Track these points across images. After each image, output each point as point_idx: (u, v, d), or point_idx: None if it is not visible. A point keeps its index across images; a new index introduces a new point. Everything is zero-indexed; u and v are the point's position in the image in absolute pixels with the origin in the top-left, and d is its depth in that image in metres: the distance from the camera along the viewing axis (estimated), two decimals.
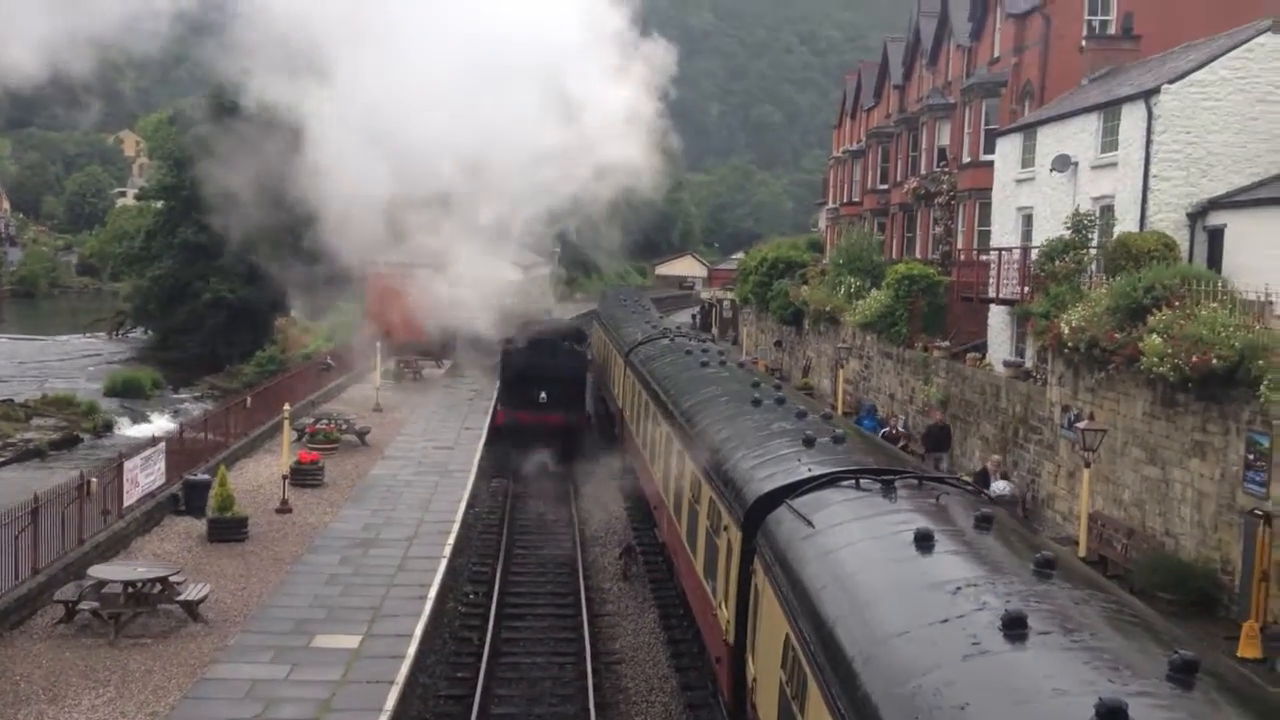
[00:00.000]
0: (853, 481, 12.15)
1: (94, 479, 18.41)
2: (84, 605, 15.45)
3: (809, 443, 14.11)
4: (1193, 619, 17.75)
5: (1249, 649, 16.14)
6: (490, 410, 36.70)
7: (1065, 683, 6.70)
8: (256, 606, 17.20)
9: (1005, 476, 24.33)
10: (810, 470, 12.84)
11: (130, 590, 15.55)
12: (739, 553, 13.08)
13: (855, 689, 7.82)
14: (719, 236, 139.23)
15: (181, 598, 16.10)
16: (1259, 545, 16.40)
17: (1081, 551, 19.10)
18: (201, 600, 16.33)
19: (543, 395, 34.23)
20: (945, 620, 8.03)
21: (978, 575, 8.93)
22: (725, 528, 14.11)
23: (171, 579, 16.22)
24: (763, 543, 12.04)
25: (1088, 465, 18.75)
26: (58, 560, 17.06)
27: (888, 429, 29.35)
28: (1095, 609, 8.17)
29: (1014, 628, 7.46)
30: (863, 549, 10.18)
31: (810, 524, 11.15)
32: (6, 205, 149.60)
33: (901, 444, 26.78)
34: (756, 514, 12.65)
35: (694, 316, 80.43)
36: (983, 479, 23.25)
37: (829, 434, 14.65)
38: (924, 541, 9.59)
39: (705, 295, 77.46)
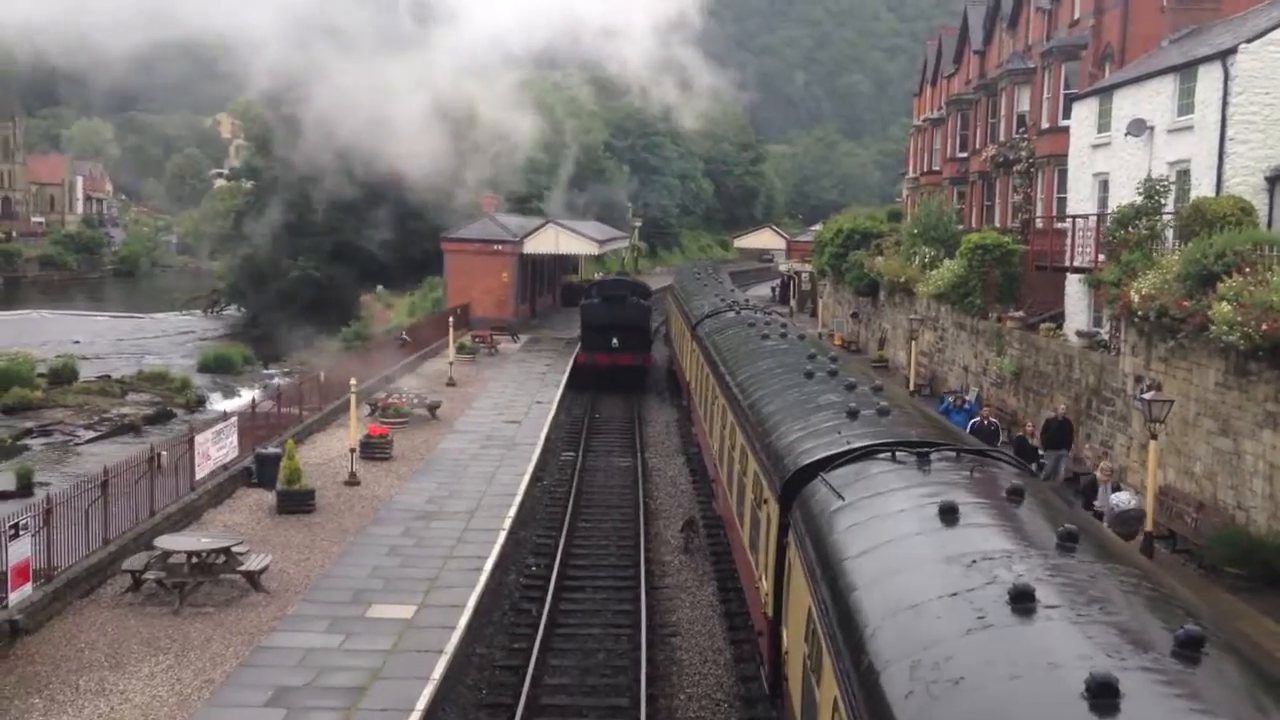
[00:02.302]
0: (889, 454, 12.01)
1: (164, 452, 19.02)
2: (150, 575, 16.02)
3: (853, 415, 13.98)
4: (1262, 595, 17.25)
5: None
6: (566, 372, 40.69)
7: (1063, 657, 6.57)
8: (317, 576, 17.66)
9: (1120, 485, 20.58)
10: (849, 443, 12.73)
11: (194, 560, 16.08)
12: (776, 525, 13.05)
13: (860, 661, 7.77)
14: (803, 208, 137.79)
15: (243, 568, 16.60)
16: None
17: (1149, 525, 18.64)
18: (263, 570, 16.82)
19: (614, 340, 42.03)
20: (955, 594, 7.93)
21: (997, 549, 8.78)
22: (765, 500, 14.08)
23: (234, 549, 16.74)
24: (797, 515, 11.99)
25: (1154, 437, 18.24)
26: (129, 531, 17.70)
27: (978, 420, 24.74)
28: (1112, 583, 7.98)
29: (1021, 601, 7.34)
30: (888, 522, 10.07)
31: (841, 496, 11.07)
32: (109, 187, 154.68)
33: (1003, 440, 23.68)
34: (793, 486, 12.59)
35: (773, 289, 79.94)
36: (1092, 490, 20.39)
37: (874, 406, 14.48)
38: (948, 514, 9.47)
39: (783, 268, 76.83)
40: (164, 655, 14.32)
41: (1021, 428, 25.53)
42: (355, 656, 14.50)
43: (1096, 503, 19.41)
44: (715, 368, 23.89)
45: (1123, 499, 18.24)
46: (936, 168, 53.26)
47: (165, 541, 16.61)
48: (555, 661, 17.68)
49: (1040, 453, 23.70)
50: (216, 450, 21.81)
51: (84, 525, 16.45)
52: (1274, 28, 22.17)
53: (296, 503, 21.18)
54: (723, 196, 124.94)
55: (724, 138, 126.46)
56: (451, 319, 41.73)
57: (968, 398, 29.69)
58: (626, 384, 41.76)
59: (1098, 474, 20.63)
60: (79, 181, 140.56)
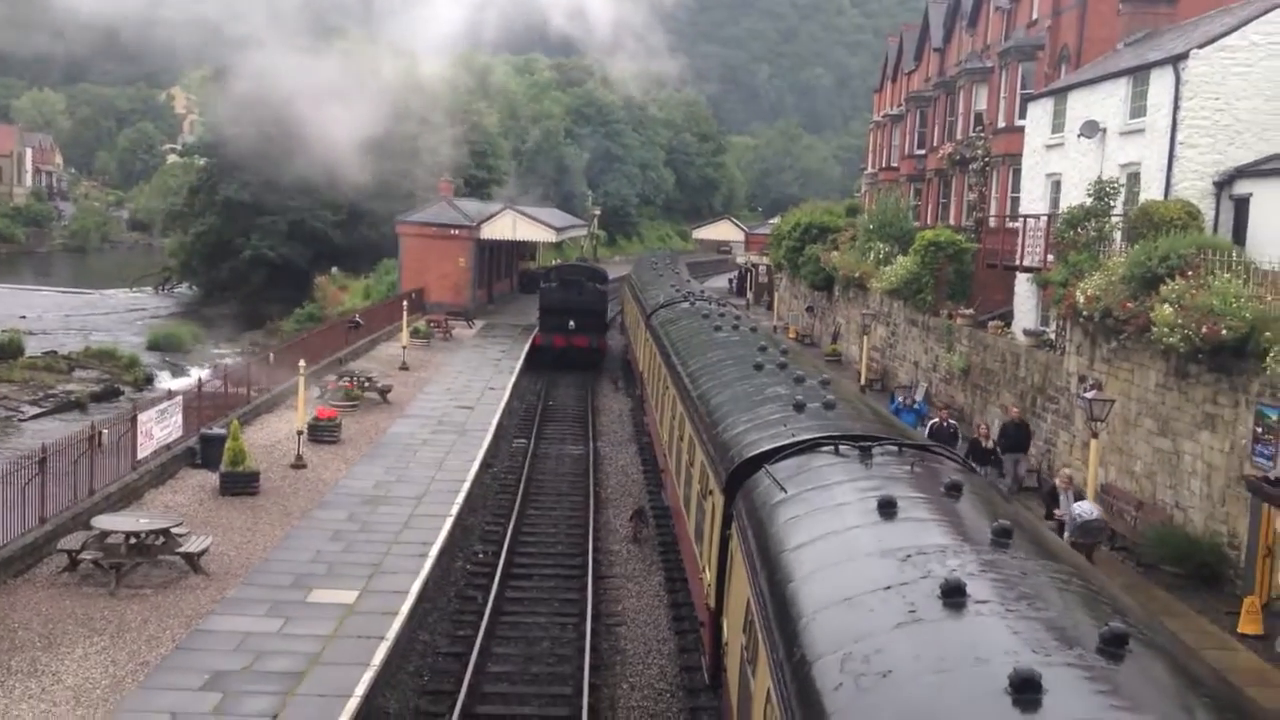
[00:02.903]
0: (833, 448, 12.08)
1: (105, 430, 18.73)
2: (86, 555, 15.78)
3: (799, 408, 14.04)
4: (1197, 593, 17.58)
5: (1249, 624, 15.93)
6: (521, 358, 41.28)
7: (989, 652, 6.64)
8: (259, 560, 17.49)
9: (1082, 495, 18.96)
10: (794, 435, 12.79)
11: (132, 541, 15.87)
12: (721, 516, 13.09)
13: (794, 653, 7.81)
14: (763, 201, 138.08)
15: (183, 549, 16.40)
16: (1263, 519, 16.15)
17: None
18: (203, 553, 16.62)
19: (571, 323, 43.96)
20: (889, 587, 7.99)
21: (932, 543, 8.86)
22: (710, 491, 14.12)
23: (174, 530, 16.53)
24: (740, 507, 12.03)
25: (1095, 436, 18.48)
26: (66, 510, 17.42)
27: (937, 421, 24.10)
28: (1043, 579, 8.07)
29: (952, 596, 7.40)
30: (828, 515, 10.13)
31: (783, 489, 11.12)
32: (60, 160, 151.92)
33: (961, 445, 22.57)
34: (738, 478, 12.63)
35: (730, 281, 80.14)
36: (1052, 499, 19.87)
37: (821, 400, 14.56)
38: (887, 508, 9.55)
39: (740, 260, 77.06)
40: (99, 636, 14.12)
41: (975, 430, 24.98)
42: (294, 641, 14.38)
43: (1058, 511, 18.94)
44: (667, 358, 23.91)
45: (1084, 509, 17.56)
46: (895, 164, 53.58)
47: (103, 521, 16.37)
48: (499, 649, 17.63)
49: (996, 456, 23.21)
50: (160, 430, 21.52)
51: (20, 503, 16.16)
52: (1225, 34, 22.50)
53: (240, 485, 20.95)
54: (683, 187, 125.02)
55: (686, 127, 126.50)
56: (406, 303, 41.45)
57: (916, 396, 29.92)
58: (581, 364, 44.03)
59: (1057, 482, 20.16)
60: (28, 153, 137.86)
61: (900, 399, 28.73)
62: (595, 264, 59.90)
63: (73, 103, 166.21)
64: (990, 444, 23.49)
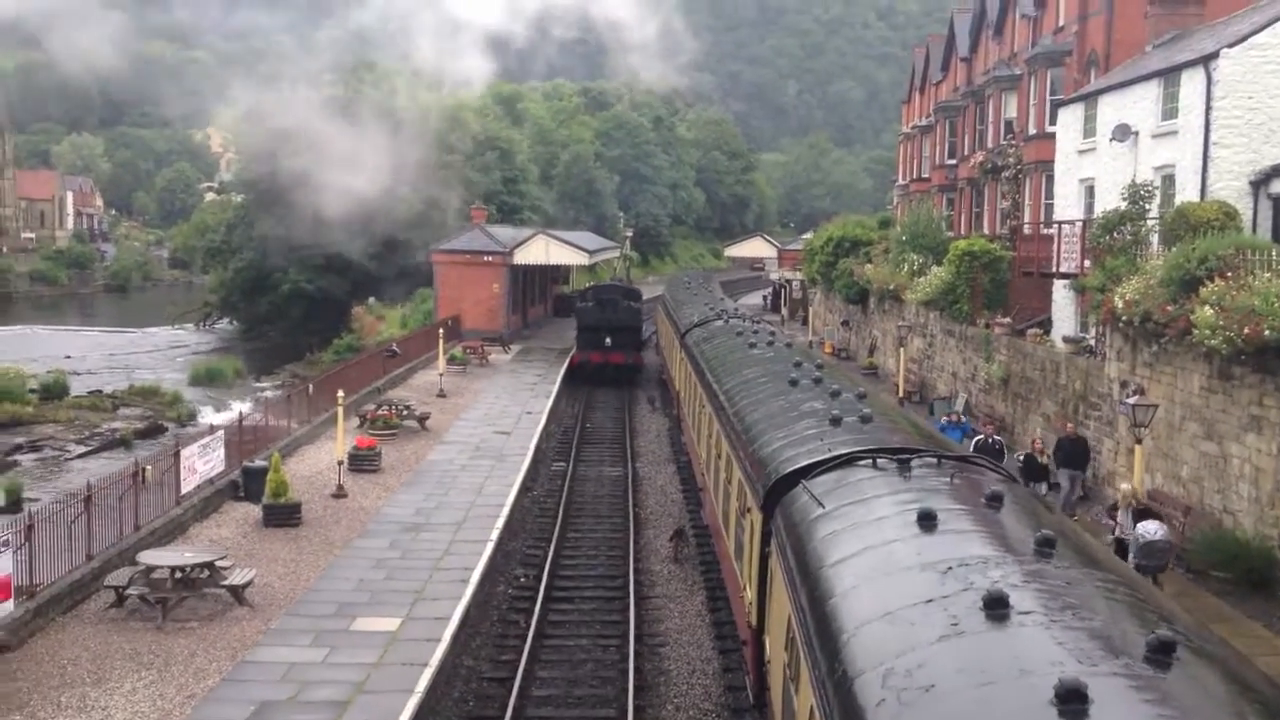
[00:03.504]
0: (870, 461, 12.00)
1: (149, 466, 18.95)
2: (132, 590, 15.95)
3: (835, 422, 13.97)
4: (1248, 598, 17.27)
5: None
6: (557, 382, 41.63)
7: (1034, 663, 6.56)
8: (302, 590, 17.60)
9: (1148, 511, 17.59)
10: (831, 450, 12.72)
11: (177, 575, 16.02)
12: (759, 533, 13.03)
13: (835, 669, 7.75)
14: (794, 216, 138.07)
15: (227, 582, 16.53)
16: None
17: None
18: (247, 585, 16.75)
19: (608, 340, 45.56)
20: (930, 600, 7.91)
21: (973, 555, 8.76)
22: (749, 509, 14.06)
23: (218, 564, 16.67)
24: (779, 523, 11.97)
25: (1139, 442, 18.26)
26: (112, 547, 17.63)
27: (982, 437, 22.92)
28: (1088, 588, 7.97)
29: (995, 608, 7.32)
30: (867, 529, 10.05)
31: (821, 504, 11.05)
32: (100, 202, 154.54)
33: (1009, 460, 21.93)
34: (776, 494, 12.57)
35: (764, 298, 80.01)
36: (1112, 515, 18.73)
37: (857, 413, 14.47)
38: (927, 521, 9.46)
39: (774, 276, 76.97)
40: (147, 670, 14.25)
41: (1031, 445, 24.22)
42: (339, 670, 14.44)
43: (1117, 528, 17.90)
44: (702, 376, 23.89)
45: (1149, 529, 16.20)
46: (926, 175, 53.39)
47: (149, 556, 16.53)
48: (543, 673, 17.61)
49: (1050, 472, 22.44)
50: (203, 464, 21.74)
51: (67, 541, 16.38)
52: (1255, 32, 22.27)
53: (283, 516, 21.11)
54: (714, 205, 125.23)
55: (715, 146, 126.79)
56: (442, 330, 41.72)
57: (956, 407, 29.60)
58: (619, 379, 45.73)
59: (1118, 498, 18.61)
60: (69, 197, 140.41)
61: (946, 419, 28.18)
62: (629, 283, 60.74)
63: (111, 146, 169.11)
64: (1045, 459, 22.63)
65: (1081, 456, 22.82)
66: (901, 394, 33.77)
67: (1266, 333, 16.49)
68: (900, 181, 61.75)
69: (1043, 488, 21.64)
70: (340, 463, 23.97)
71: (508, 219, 69.83)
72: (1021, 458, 22.96)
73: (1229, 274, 18.37)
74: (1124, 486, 18.69)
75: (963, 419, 27.92)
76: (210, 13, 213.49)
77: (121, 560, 17.42)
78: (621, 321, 46.59)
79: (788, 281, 68.54)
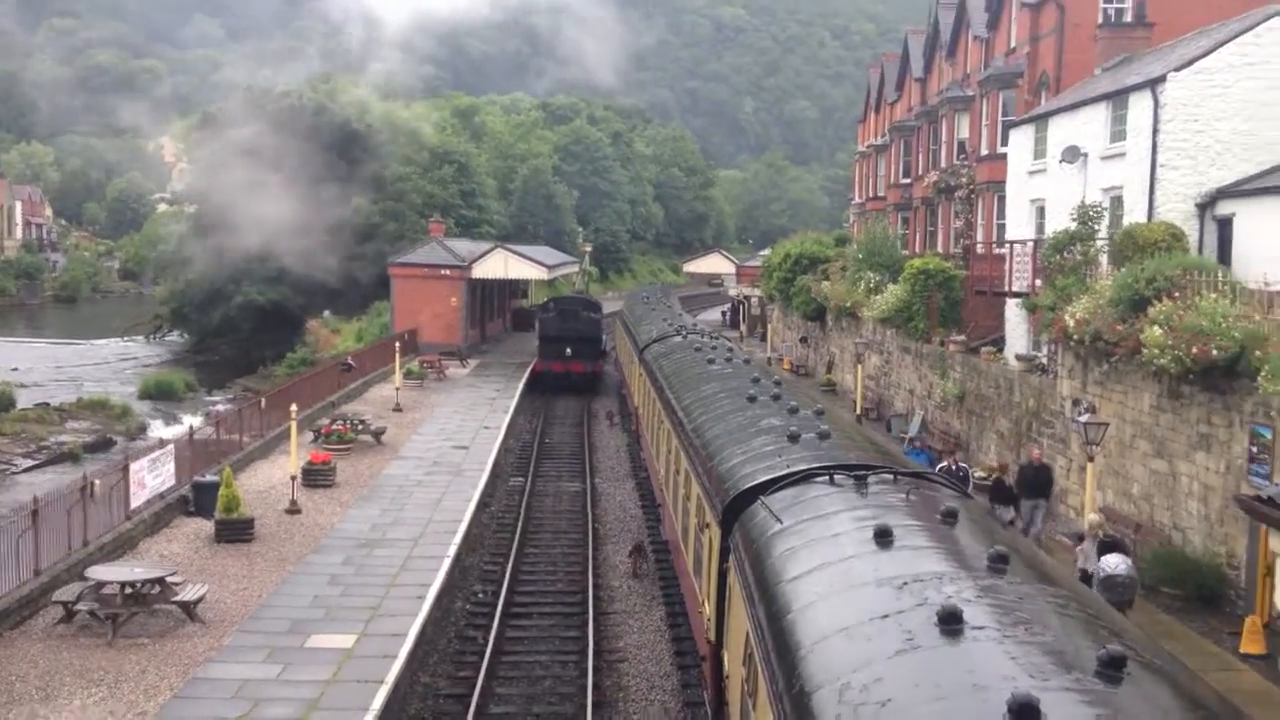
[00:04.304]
0: (828, 477, 12.10)
1: (97, 481, 18.68)
2: (82, 606, 15.70)
3: (793, 438, 14.06)
4: (1199, 614, 17.55)
5: (1252, 645, 15.90)
6: (516, 396, 41.47)
7: (987, 678, 6.64)
8: (255, 606, 17.40)
9: (1117, 544, 16.62)
10: (789, 466, 12.80)
11: (127, 591, 15.78)
12: (718, 549, 13.07)
13: (793, 684, 7.80)
14: (752, 233, 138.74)
15: (178, 598, 16.32)
16: (1261, 539, 16.16)
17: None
18: (199, 601, 16.54)
19: (568, 350, 47.28)
20: (886, 616, 7.99)
21: (928, 571, 8.86)
22: (708, 525, 14.11)
23: (169, 579, 16.45)
24: (737, 539, 12.02)
25: (1091, 459, 18.53)
26: (60, 561, 17.34)
27: (947, 464, 21.90)
28: (1040, 604, 8.08)
29: (949, 623, 7.41)
30: (824, 545, 10.13)
31: (779, 520, 11.12)
32: (49, 212, 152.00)
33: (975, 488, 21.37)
34: (734, 510, 12.63)
35: (723, 314, 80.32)
36: (1080, 543, 17.83)
37: (815, 430, 14.59)
38: (883, 537, 9.55)
39: (733, 292, 77.36)
40: (96, 687, 14.02)
41: (1000, 468, 23.86)
42: (293, 688, 14.28)
43: (1084, 560, 17.07)
44: (661, 392, 23.94)
45: (1111, 563, 15.09)
46: (881, 193, 53.94)
47: (98, 572, 16.29)
48: (501, 690, 17.54)
49: (1014, 503, 21.50)
50: (153, 478, 21.45)
51: (14, 556, 16.09)
52: (1201, 56, 22.76)
53: (235, 531, 20.87)
54: (673, 221, 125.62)
55: (673, 162, 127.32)
56: (398, 344, 41.49)
57: (911, 432, 29.83)
58: (579, 388, 47.46)
59: (1085, 528, 17.86)
60: (18, 206, 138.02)
61: (909, 443, 28.24)
62: (590, 296, 61.87)
63: (61, 155, 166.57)
64: (1011, 481, 22.02)
65: (1045, 484, 21.97)
66: (859, 411, 34.04)
67: (1214, 352, 16.82)
68: (856, 200, 62.34)
69: (1009, 512, 21.03)
70: (294, 478, 23.74)
71: (466, 232, 69.64)
72: (990, 480, 22.51)
73: (1177, 294, 18.73)
74: (1092, 517, 18.01)
75: (927, 445, 28.08)
76: (162, 21, 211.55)
77: (70, 575, 17.14)
78: (582, 332, 48.21)
79: (746, 298, 68.89)
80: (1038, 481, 21.71)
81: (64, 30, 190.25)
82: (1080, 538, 18.01)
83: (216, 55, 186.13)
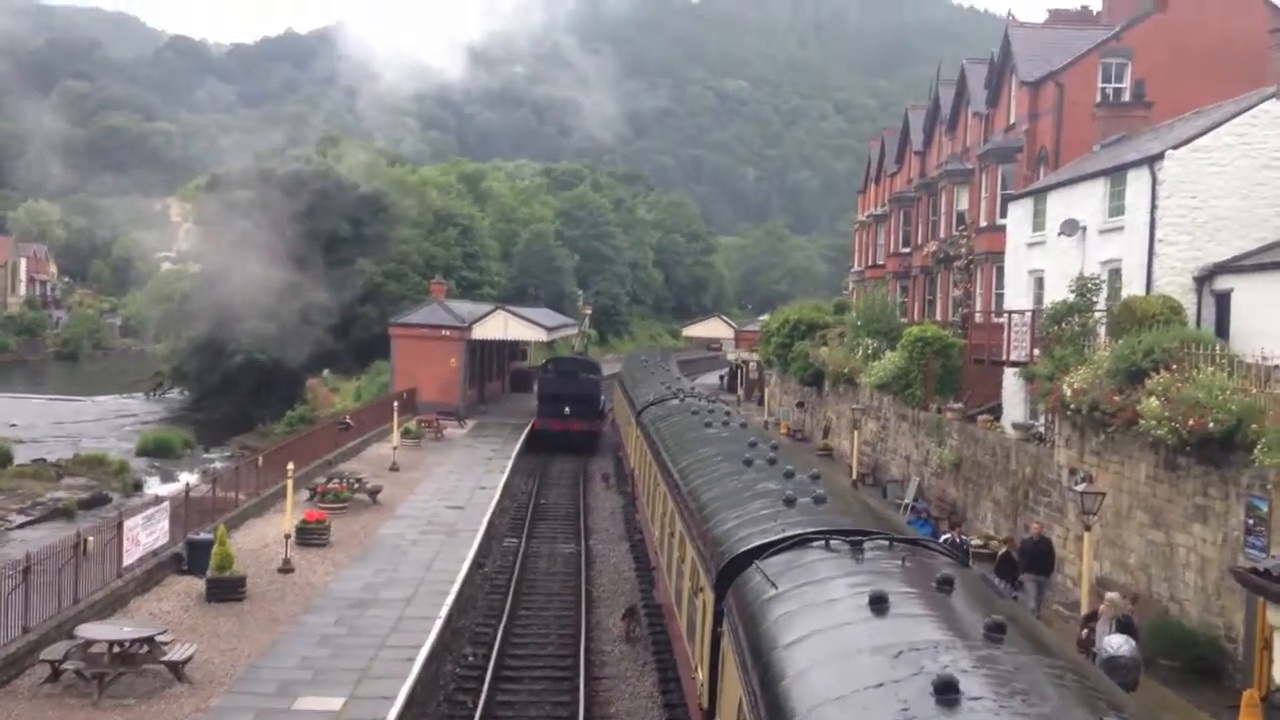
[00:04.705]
0: (823, 542, 12.03)
1: (90, 537, 18.56)
2: (69, 665, 15.52)
3: (789, 503, 14.00)
4: (1196, 687, 17.36)
5: (1249, 718, 15.68)
6: (512, 457, 41.62)
7: None
8: (244, 667, 17.21)
9: (1128, 625, 15.98)
10: (784, 531, 12.74)
11: (115, 650, 15.61)
12: (712, 614, 12.96)
13: None
14: (752, 299, 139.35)
15: (166, 658, 16.14)
16: (1259, 612, 16.03)
17: (1083, 610, 18.69)
18: (187, 661, 16.36)
19: (567, 409, 47.95)
20: (881, 685, 7.90)
21: (925, 639, 8.78)
22: (701, 588, 14.00)
23: (158, 639, 16.28)
24: (731, 604, 11.93)
25: (1088, 529, 18.44)
26: (50, 619, 17.17)
27: (950, 537, 21.17)
28: (1038, 674, 8.01)
29: (945, 693, 7.33)
30: (819, 611, 10.04)
31: (774, 585, 11.03)
32: (54, 269, 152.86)
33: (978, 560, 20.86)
34: (728, 575, 12.53)
35: (721, 378, 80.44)
36: (1090, 624, 16.78)
37: (811, 494, 14.53)
38: (878, 604, 9.47)
39: (731, 356, 77.59)
40: None
41: (1006, 542, 23.35)
42: None
43: (1086, 636, 16.54)
44: (657, 454, 23.89)
45: (1114, 643, 14.43)
46: (881, 262, 54.32)
47: (87, 630, 16.12)
48: None
49: (1015, 578, 20.72)
50: (146, 536, 21.32)
51: (3, 613, 15.93)
52: (1199, 135, 23.07)
53: (227, 590, 20.70)
54: (673, 285, 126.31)
55: (674, 228, 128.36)
56: (396, 403, 41.49)
57: (908, 499, 29.70)
58: (577, 447, 47.78)
59: (1101, 607, 16.78)
60: (23, 263, 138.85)
61: (912, 513, 27.88)
62: (589, 357, 62.68)
63: (69, 213, 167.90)
64: (1016, 554, 21.38)
65: (1047, 560, 21.49)
66: (855, 476, 33.94)
67: (1210, 425, 16.83)
68: (856, 268, 62.75)
69: (1008, 589, 20.46)
70: (288, 536, 23.60)
71: (467, 293, 69.98)
72: (999, 554, 21.89)
73: (1174, 366, 18.79)
74: (1110, 595, 17.05)
75: (930, 515, 27.85)
76: (177, 85, 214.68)
77: (59, 634, 16.96)
78: (580, 392, 49.18)
79: (744, 362, 69.04)
80: (1039, 555, 21.31)
81: (79, 94, 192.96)
82: (1090, 617, 17.04)
83: (227, 120, 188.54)
